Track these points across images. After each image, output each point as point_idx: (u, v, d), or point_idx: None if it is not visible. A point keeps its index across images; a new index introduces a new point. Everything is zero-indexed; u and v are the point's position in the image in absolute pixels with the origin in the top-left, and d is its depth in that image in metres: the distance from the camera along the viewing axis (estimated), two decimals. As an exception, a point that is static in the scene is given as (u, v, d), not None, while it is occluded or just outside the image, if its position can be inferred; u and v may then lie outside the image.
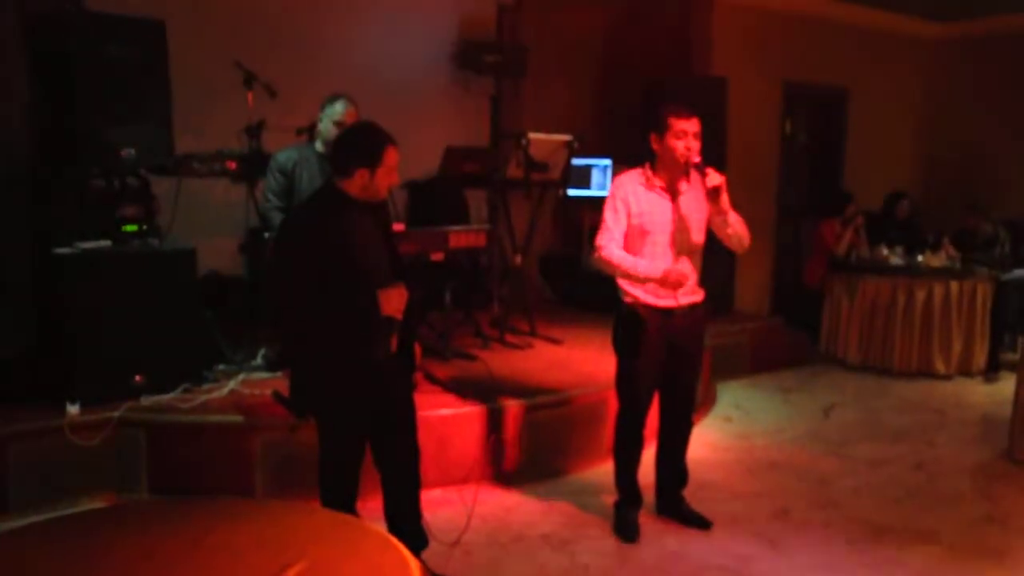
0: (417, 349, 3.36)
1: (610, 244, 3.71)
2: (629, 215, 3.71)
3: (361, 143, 3.00)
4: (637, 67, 7.54)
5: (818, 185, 8.76)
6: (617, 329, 3.88)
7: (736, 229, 3.69)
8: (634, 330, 3.78)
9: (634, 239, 3.73)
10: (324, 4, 6.49)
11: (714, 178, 3.55)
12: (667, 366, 3.84)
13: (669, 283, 3.62)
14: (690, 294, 3.79)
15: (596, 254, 3.75)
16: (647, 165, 3.77)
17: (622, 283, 3.80)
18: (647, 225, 3.69)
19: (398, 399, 3.25)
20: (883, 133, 9.04)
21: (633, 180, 3.75)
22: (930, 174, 9.41)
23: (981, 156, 8.90)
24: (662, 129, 3.64)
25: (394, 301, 3.00)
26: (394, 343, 3.11)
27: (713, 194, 3.59)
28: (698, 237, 3.77)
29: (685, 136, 3.60)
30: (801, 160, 8.73)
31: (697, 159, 3.60)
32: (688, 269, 3.71)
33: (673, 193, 3.71)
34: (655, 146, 3.71)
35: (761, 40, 7.87)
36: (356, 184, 2.98)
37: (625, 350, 3.86)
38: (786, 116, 8.41)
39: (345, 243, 2.95)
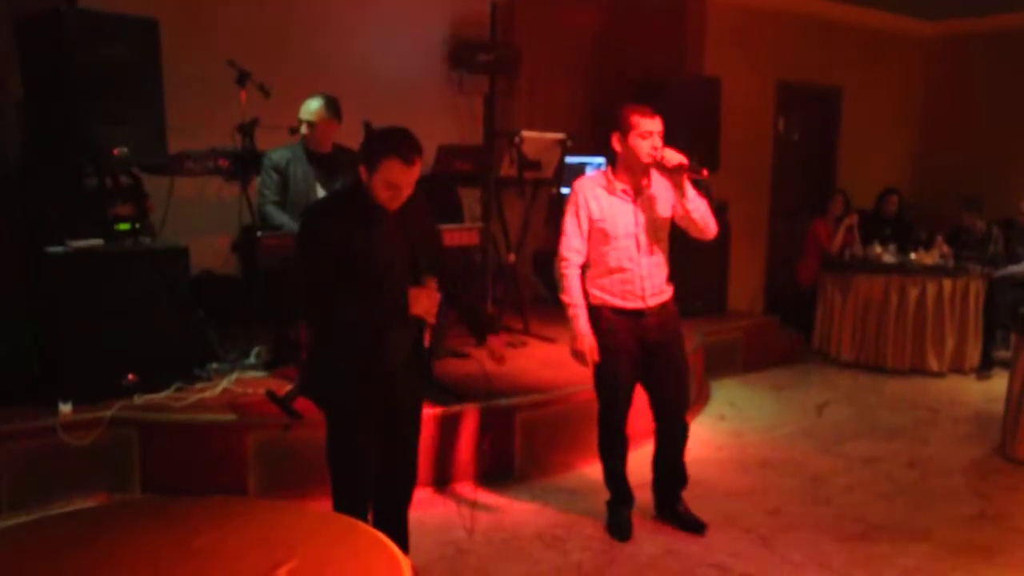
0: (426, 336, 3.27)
1: (572, 258, 3.71)
2: (591, 220, 3.69)
3: (372, 143, 2.99)
4: (630, 65, 7.53)
5: (811, 184, 8.78)
6: None
7: (700, 208, 3.62)
8: (597, 333, 3.73)
9: (597, 242, 3.71)
10: (318, 3, 6.48)
11: (675, 157, 3.51)
12: (648, 367, 3.81)
13: (576, 353, 3.68)
14: (658, 294, 3.75)
15: (559, 265, 3.74)
16: (608, 167, 3.74)
17: (588, 286, 3.78)
18: (609, 230, 3.67)
19: (404, 397, 3.20)
20: (877, 132, 9.06)
21: (593, 184, 3.72)
22: (923, 172, 9.43)
23: (975, 154, 8.91)
24: (625, 129, 3.59)
25: (423, 301, 2.95)
26: (427, 340, 3.10)
27: (677, 173, 3.52)
28: (662, 236, 3.76)
29: (650, 136, 3.57)
30: (794, 159, 8.74)
31: (684, 160, 3.53)
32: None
33: (636, 194, 3.68)
34: (617, 146, 3.65)
35: (754, 39, 7.88)
36: (362, 179, 2.94)
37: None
38: (779, 115, 8.41)
39: (356, 235, 2.92)
